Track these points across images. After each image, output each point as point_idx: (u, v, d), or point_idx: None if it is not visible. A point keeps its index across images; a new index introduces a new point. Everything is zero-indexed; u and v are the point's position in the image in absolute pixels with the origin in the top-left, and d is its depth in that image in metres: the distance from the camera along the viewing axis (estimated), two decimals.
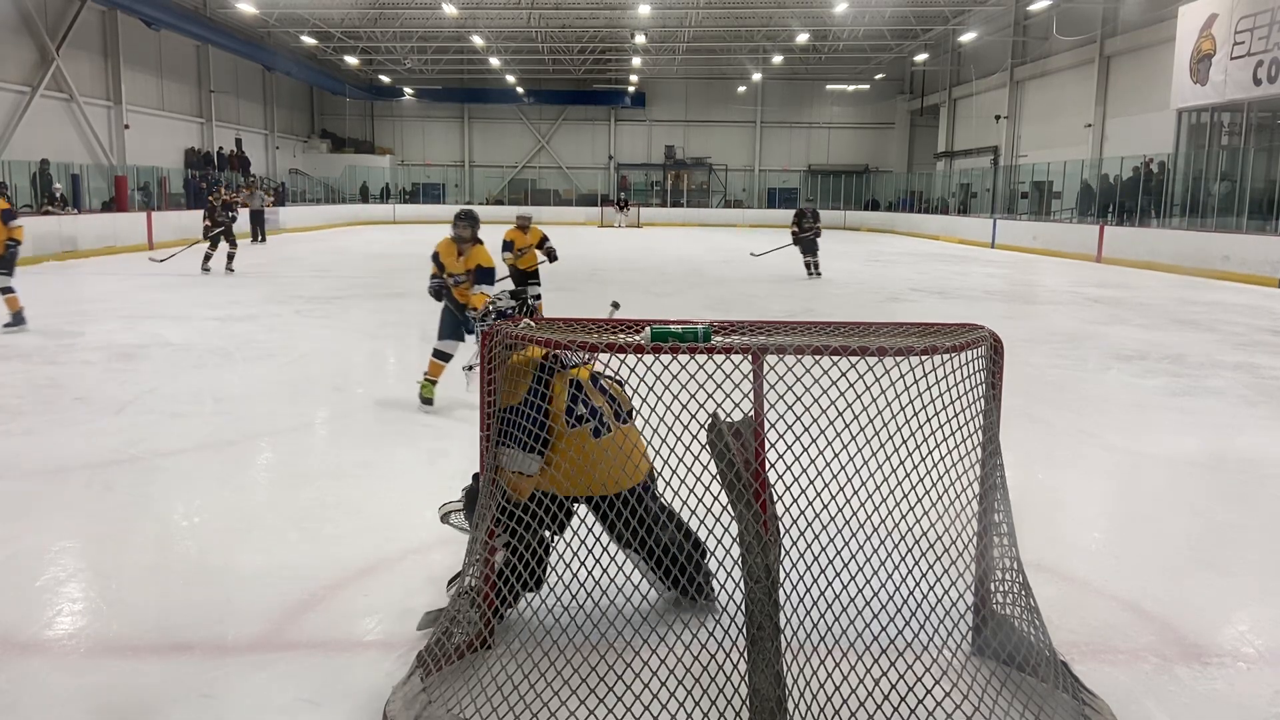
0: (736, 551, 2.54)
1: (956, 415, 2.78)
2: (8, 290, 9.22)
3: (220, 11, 28.13)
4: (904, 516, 2.87)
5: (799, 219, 16.04)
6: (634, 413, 2.98)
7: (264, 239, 22.98)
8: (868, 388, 2.61)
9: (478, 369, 2.94)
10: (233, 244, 15.14)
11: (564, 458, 2.98)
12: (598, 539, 2.76)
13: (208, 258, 14.98)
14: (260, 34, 31.39)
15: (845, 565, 2.72)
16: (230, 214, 15.30)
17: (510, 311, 3.76)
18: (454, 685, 2.68)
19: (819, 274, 15.81)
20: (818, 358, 2.49)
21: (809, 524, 2.88)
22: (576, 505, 3.07)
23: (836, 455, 2.63)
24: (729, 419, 2.57)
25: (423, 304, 12.00)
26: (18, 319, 9.21)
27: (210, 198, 15.49)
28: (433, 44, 34.31)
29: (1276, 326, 10.86)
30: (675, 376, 2.55)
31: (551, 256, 9.88)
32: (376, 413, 6.44)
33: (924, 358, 2.57)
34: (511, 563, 2.92)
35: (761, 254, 18.11)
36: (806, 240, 15.81)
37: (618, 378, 3.16)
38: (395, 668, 2.87)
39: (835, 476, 2.62)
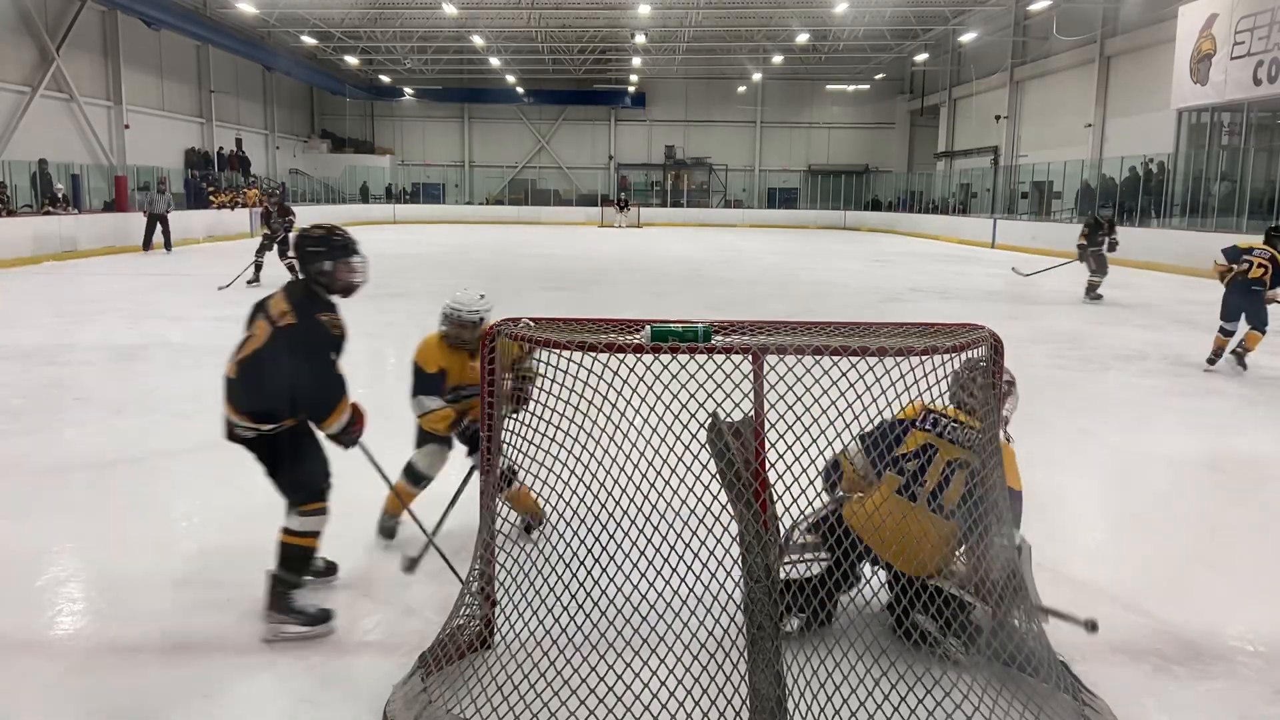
0: (736, 551, 2.54)
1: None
2: None
3: (220, 11, 28.11)
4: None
5: (1093, 230, 13.08)
6: (952, 515, 2.97)
7: (169, 248, 19.50)
8: (868, 388, 2.61)
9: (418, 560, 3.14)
10: (285, 254, 12.69)
11: (873, 496, 3.04)
12: (596, 538, 2.74)
13: (259, 268, 13.03)
14: (260, 34, 31.37)
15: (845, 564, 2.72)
16: (287, 219, 13.14)
17: None
18: (454, 685, 2.68)
19: (1099, 296, 13.13)
20: (818, 358, 2.49)
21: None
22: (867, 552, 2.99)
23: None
24: (729, 419, 2.56)
25: (422, 303, 12.06)
26: None
27: (264, 203, 13.28)
28: (433, 44, 34.29)
29: (1276, 327, 10.85)
30: (675, 376, 2.55)
31: (519, 399, 3.43)
32: (375, 413, 6.41)
33: (924, 358, 2.57)
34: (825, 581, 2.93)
35: (1030, 274, 14.56)
36: (1097, 254, 13.00)
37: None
38: (395, 668, 2.87)
39: None
